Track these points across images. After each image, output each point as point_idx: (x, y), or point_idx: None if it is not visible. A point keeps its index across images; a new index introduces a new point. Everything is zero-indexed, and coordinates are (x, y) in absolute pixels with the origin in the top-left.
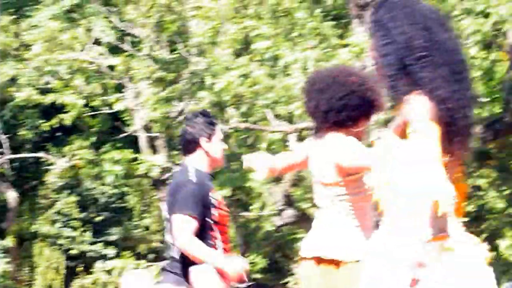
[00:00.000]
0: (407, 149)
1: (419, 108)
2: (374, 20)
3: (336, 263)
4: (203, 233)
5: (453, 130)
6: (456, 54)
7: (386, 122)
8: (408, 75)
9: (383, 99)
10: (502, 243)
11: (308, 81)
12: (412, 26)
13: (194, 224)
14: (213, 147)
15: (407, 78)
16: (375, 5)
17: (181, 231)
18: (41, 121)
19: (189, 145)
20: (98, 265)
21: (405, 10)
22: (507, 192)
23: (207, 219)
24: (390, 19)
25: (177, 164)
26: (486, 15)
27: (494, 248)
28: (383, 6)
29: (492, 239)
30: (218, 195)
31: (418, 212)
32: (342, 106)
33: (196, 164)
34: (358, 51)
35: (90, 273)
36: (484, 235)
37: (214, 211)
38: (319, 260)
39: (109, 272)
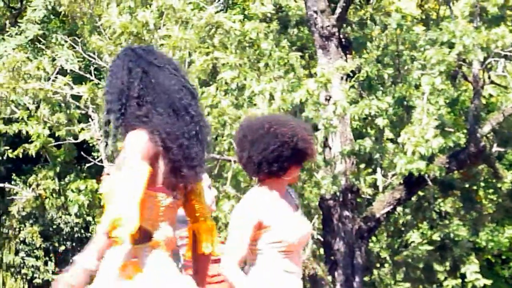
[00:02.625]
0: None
1: (132, 143)
2: (109, 67)
3: None
4: None
5: (171, 159)
6: (175, 93)
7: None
8: (128, 115)
9: (314, 147)
10: (468, 271)
11: (240, 131)
12: (130, 71)
13: None
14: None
15: (128, 117)
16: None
17: None
18: (6, 150)
19: None
20: None
21: (128, 57)
22: (471, 221)
23: None
24: (114, 66)
25: None
26: (451, 46)
27: (460, 276)
28: (119, 54)
29: (456, 266)
30: None
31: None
32: (275, 158)
33: None
34: (325, 81)
35: None
36: (448, 263)
37: None
38: None
39: None
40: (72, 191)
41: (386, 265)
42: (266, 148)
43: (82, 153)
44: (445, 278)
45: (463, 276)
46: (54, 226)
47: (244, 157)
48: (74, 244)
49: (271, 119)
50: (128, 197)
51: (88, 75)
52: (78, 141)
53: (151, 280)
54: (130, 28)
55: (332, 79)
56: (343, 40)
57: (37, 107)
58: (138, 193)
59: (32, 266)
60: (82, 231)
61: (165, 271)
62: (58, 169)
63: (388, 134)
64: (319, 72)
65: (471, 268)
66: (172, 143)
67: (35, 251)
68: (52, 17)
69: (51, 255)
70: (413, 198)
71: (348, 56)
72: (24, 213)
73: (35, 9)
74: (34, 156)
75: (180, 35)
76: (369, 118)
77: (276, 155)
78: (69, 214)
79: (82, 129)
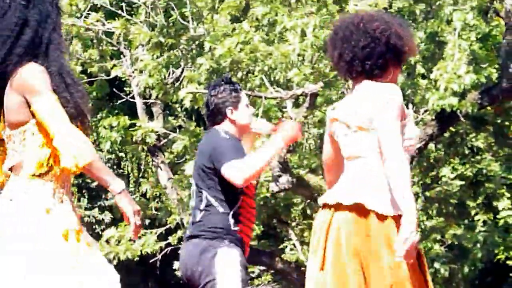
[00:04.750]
0: None
1: None
2: None
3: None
4: (234, 198)
5: None
6: None
7: None
8: None
9: (412, 42)
10: (500, 205)
11: (333, 30)
12: None
13: None
14: (240, 115)
15: None
16: None
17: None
18: None
19: (216, 117)
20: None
21: None
22: (503, 156)
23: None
24: None
25: (172, 131)
26: None
27: (493, 211)
28: None
29: (489, 202)
30: None
31: None
32: (366, 55)
33: (225, 129)
34: None
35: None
36: (481, 198)
37: None
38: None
39: (107, 241)
40: (104, 127)
41: (419, 200)
42: (356, 45)
43: (114, 89)
44: (476, 213)
45: (495, 213)
46: None
47: (336, 56)
48: None
49: (363, 14)
50: None
51: (119, 11)
52: (110, 77)
53: None
54: None
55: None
56: None
57: (70, 44)
58: None
59: None
60: (115, 167)
61: None
62: (90, 105)
63: (420, 69)
64: (351, 9)
65: (504, 205)
66: None
67: None
68: None
69: (84, 191)
70: (446, 134)
71: None
72: None
73: None
74: None
75: None
76: None
77: (368, 52)
78: (101, 151)
79: (114, 65)
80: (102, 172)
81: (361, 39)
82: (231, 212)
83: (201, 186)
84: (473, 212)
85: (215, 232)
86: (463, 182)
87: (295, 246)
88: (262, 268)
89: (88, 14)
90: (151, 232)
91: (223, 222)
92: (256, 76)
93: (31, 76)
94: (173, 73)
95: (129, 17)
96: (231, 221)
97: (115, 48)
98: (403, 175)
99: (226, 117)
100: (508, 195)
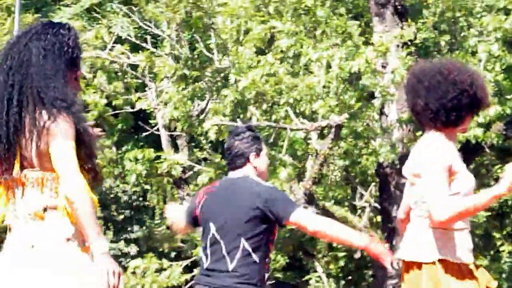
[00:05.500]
0: None
1: None
2: None
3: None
4: (265, 248)
5: None
6: None
7: None
8: None
9: (489, 95)
10: None
11: (412, 76)
12: None
13: None
14: (261, 162)
15: None
16: None
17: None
18: None
19: (238, 160)
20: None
21: None
22: None
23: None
24: None
25: (198, 163)
26: (508, 12)
27: None
28: None
29: None
30: None
31: None
32: (453, 106)
33: (250, 175)
34: (384, 50)
35: None
36: (507, 229)
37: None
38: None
39: (133, 272)
40: (130, 160)
41: None
42: (445, 96)
43: (139, 122)
44: (502, 244)
45: None
46: (112, 195)
47: (419, 105)
48: (132, 212)
49: (449, 65)
50: None
51: (144, 44)
52: (135, 110)
53: None
54: None
55: (390, 48)
56: (398, 7)
57: (94, 76)
58: None
59: None
60: (140, 199)
61: None
62: (115, 138)
63: None
64: (377, 41)
65: None
66: None
67: None
68: None
69: (109, 224)
70: (471, 166)
71: (403, 23)
72: None
73: None
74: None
75: (239, 2)
76: None
77: (455, 104)
78: (127, 183)
79: (139, 98)
80: (88, 225)
81: (450, 90)
82: (265, 261)
83: (240, 233)
84: (498, 243)
85: (250, 284)
86: (488, 213)
87: (320, 279)
88: None
89: (113, 46)
90: (176, 265)
91: (258, 274)
92: (281, 107)
93: (59, 125)
94: (198, 105)
95: (153, 50)
96: (265, 272)
97: (140, 81)
98: (453, 209)
99: (249, 161)
100: None
